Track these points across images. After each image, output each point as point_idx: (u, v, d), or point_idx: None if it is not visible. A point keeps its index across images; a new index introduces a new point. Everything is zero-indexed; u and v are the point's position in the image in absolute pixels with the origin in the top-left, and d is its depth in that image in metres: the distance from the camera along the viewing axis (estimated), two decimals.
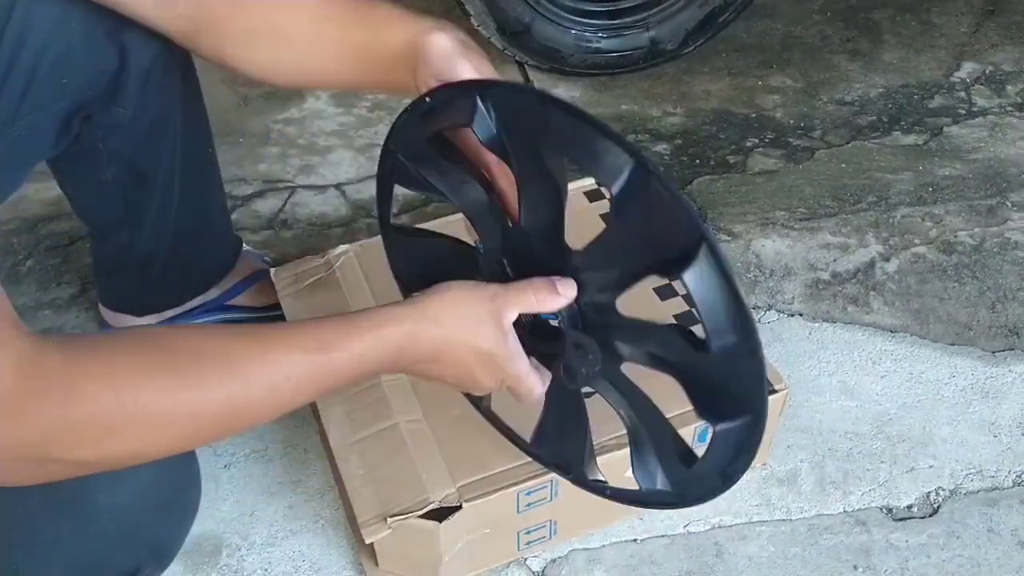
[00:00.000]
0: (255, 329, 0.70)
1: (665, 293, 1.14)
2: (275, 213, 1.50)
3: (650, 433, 0.83)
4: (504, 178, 0.77)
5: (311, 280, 1.16)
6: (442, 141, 0.80)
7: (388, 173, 0.86)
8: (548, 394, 0.82)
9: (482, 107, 0.72)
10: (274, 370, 0.64)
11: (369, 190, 1.55)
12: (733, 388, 0.74)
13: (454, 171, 0.80)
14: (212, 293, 1.23)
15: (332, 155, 1.63)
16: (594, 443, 0.91)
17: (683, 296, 1.13)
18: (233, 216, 1.34)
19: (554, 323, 0.79)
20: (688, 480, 0.82)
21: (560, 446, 0.90)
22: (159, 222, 1.09)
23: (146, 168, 1.03)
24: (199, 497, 0.77)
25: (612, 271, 0.75)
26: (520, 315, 0.74)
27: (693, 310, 0.70)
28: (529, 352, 0.78)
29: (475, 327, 0.71)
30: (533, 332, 0.80)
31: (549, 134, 0.69)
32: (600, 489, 0.89)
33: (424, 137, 0.79)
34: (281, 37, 0.81)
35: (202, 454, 0.88)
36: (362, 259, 1.18)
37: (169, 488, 0.73)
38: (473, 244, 0.86)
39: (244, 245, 1.29)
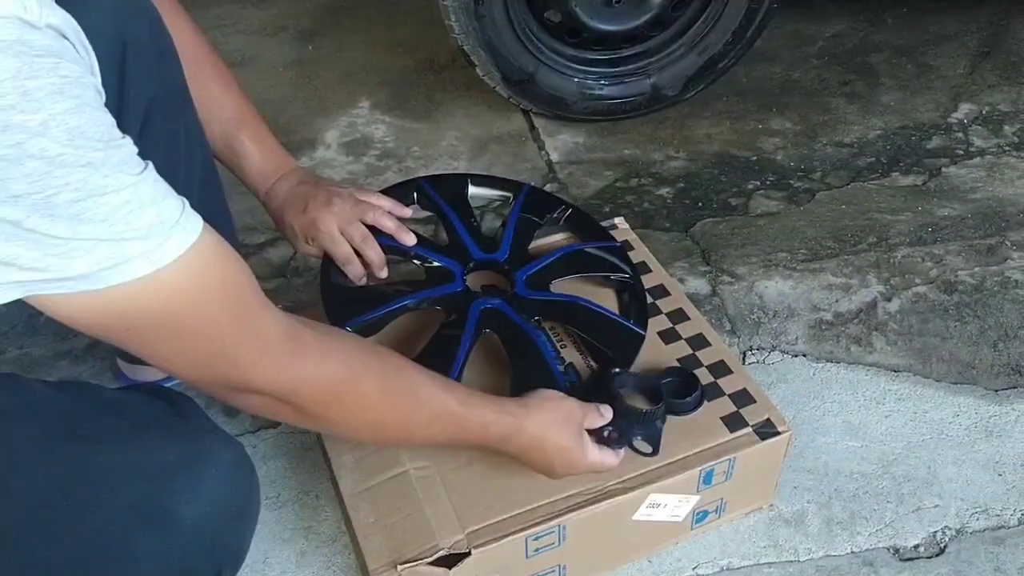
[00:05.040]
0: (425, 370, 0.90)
1: (669, 337, 1.16)
2: (286, 261, 1.53)
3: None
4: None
5: None
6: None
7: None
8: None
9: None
10: (440, 406, 0.87)
11: None
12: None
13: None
14: None
15: None
16: (600, 488, 0.95)
17: (687, 340, 1.16)
18: None
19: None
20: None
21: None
22: None
23: None
24: (260, 505, 0.83)
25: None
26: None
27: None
28: None
29: (563, 430, 0.95)
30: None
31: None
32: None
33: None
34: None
35: None
36: None
37: (240, 498, 0.78)
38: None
39: None
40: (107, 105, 0.89)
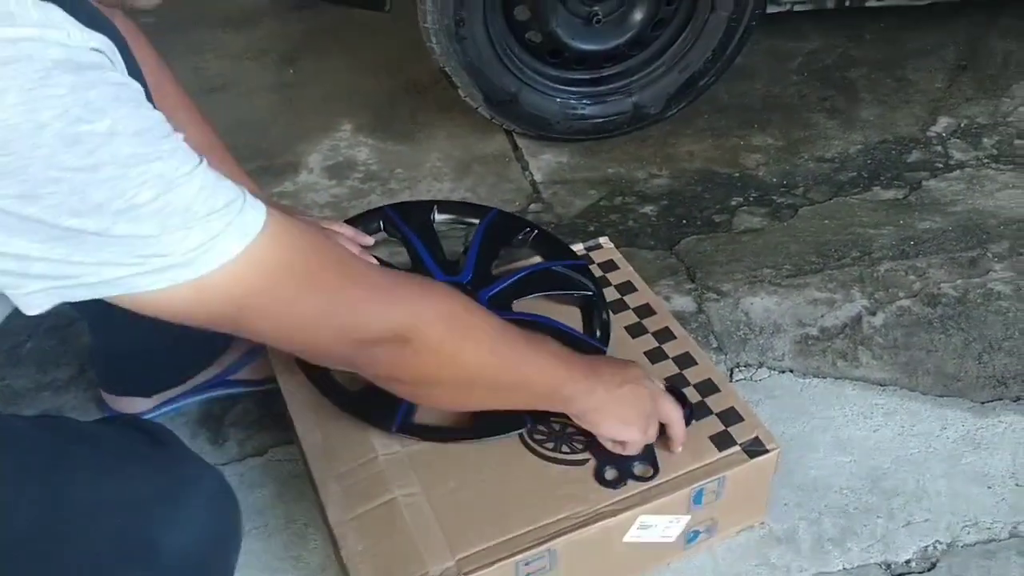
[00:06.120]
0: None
1: (656, 356, 1.16)
2: None
3: None
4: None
5: None
6: None
7: None
8: None
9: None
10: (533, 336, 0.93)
11: None
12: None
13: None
14: (212, 370, 1.25)
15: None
16: (590, 511, 0.95)
17: (673, 359, 1.16)
18: None
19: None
20: None
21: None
22: None
23: None
24: (242, 534, 0.83)
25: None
26: None
27: None
28: None
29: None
30: None
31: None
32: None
33: None
34: None
35: None
36: None
37: (222, 527, 0.78)
38: None
39: None
40: None
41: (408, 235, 1.26)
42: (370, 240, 1.20)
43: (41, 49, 0.56)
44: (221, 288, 0.65)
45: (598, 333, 1.17)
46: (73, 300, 0.63)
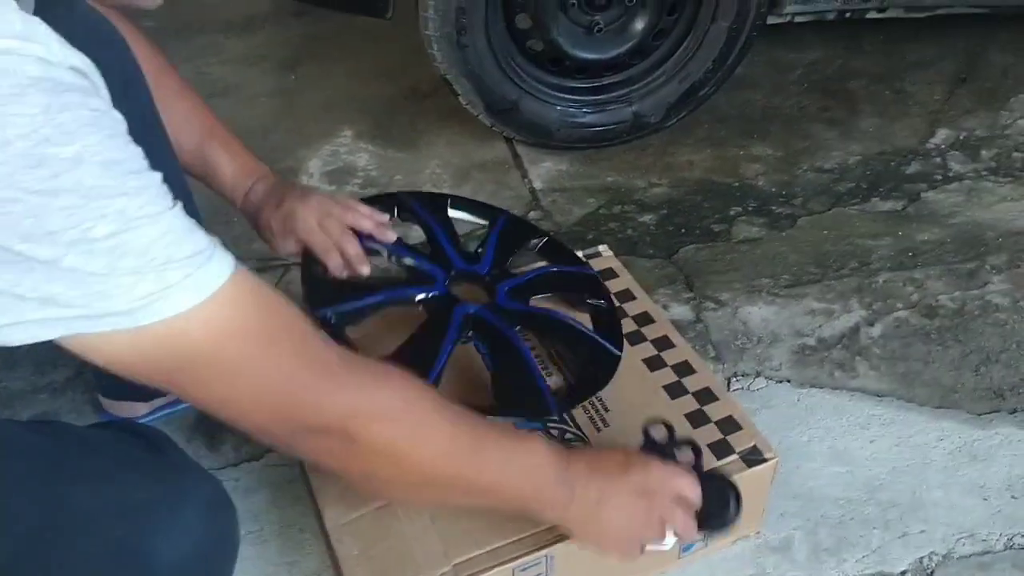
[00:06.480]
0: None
1: (655, 364, 1.16)
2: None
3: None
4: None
5: None
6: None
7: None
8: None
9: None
10: (526, 459, 0.84)
11: None
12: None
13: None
14: None
15: None
16: None
17: (672, 367, 1.16)
18: None
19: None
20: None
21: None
22: None
23: None
24: (239, 541, 0.80)
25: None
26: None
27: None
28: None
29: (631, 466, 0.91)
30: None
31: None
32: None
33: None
34: None
35: None
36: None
37: (218, 535, 0.76)
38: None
39: None
40: None
41: (428, 221, 1.22)
42: (386, 217, 1.16)
43: (19, 64, 0.54)
44: (165, 343, 0.62)
45: (612, 340, 1.15)
46: (10, 343, 0.60)
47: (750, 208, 1.72)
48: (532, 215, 1.70)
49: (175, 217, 0.61)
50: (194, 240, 0.62)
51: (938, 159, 1.84)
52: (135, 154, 0.60)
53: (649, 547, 1.00)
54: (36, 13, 0.59)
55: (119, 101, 0.92)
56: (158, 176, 0.61)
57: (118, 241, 0.57)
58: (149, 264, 0.59)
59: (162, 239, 0.59)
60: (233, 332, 0.64)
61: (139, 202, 0.58)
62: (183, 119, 1.06)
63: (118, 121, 0.60)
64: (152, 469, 0.76)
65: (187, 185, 1.08)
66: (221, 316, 0.63)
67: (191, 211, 1.08)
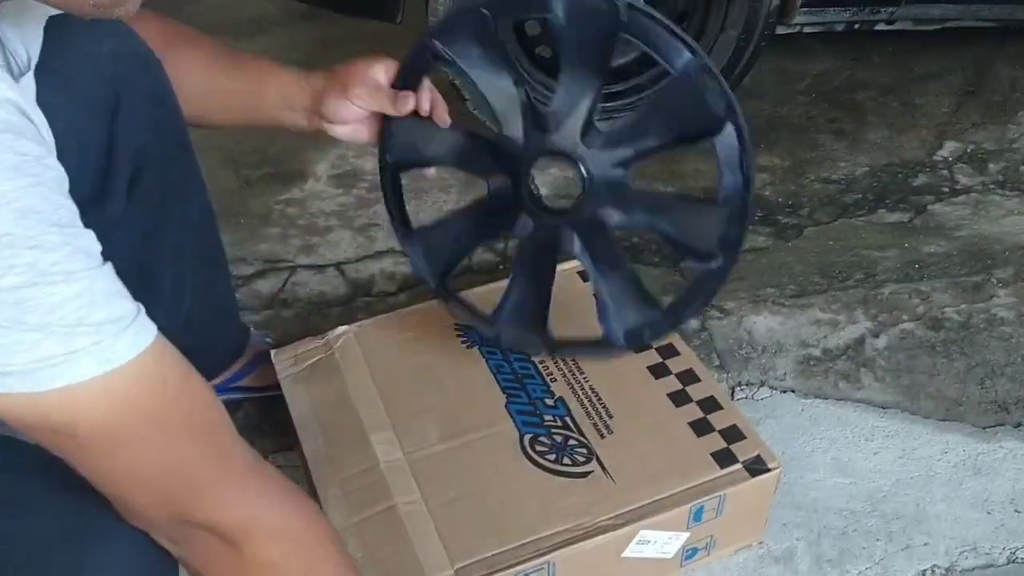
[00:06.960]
0: None
1: (659, 372, 1.16)
2: (275, 293, 1.53)
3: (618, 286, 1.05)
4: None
5: (311, 361, 1.18)
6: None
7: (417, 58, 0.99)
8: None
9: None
10: None
11: (367, 269, 1.59)
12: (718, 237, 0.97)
13: (494, 61, 0.99)
14: (217, 380, 1.25)
15: (331, 235, 1.66)
16: (589, 524, 0.94)
17: (676, 375, 1.16)
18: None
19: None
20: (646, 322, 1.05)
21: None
22: (171, 314, 1.05)
23: (152, 264, 1.01)
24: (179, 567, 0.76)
25: (634, 146, 0.97)
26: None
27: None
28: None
29: None
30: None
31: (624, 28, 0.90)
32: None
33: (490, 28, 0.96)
34: (179, 92, 0.96)
35: None
36: (361, 340, 1.20)
37: (160, 562, 0.71)
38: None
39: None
40: (94, 152, 0.87)
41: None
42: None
43: None
44: (61, 410, 0.57)
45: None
46: None
47: (756, 217, 1.72)
48: None
49: (96, 279, 0.57)
50: (112, 306, 0.58)
51: (945, 172, 1.84)
52: (61, 206, 0.56)
53: (651, 554, 1.00)
54: (54, 33, 0.58)
55: (146, 118, 0.92)
56: (87, 235, 0.58)
57: (24, 295, 0.53)
58: (56, 324, 0.54)
59: (76, 300, 0.55)
60: (136, 408, 0.60)
61: (54, 257, 0.54)
62: (209, 59, 1.01)
63: (49, 168, 0.56)
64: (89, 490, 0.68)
65: (211, 209, 1.09)
66: (125, 389, 0.58)
67: (213, 239, 1.10)
